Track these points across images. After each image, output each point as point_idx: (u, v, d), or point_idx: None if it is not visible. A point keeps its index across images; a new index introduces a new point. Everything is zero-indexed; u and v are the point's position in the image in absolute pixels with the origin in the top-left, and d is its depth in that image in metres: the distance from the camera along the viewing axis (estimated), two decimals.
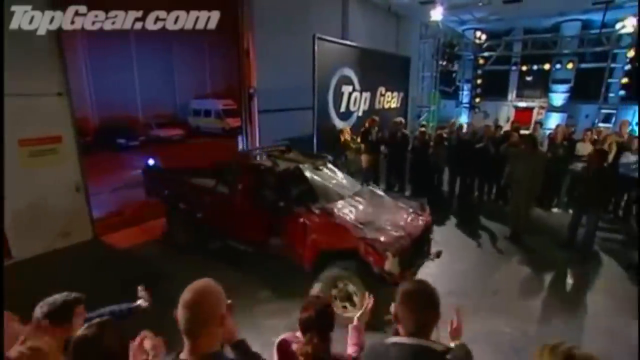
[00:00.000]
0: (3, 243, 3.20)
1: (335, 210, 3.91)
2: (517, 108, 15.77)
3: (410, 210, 4.31)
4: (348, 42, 8.07)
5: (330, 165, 4.96)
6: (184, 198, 5.00)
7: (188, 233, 4.96)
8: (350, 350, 1.59)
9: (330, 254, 3.62)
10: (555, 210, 7.20)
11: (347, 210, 3.99)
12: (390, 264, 3.31)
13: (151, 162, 11.72)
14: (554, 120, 13.35)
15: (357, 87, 8.13)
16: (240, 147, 7.53)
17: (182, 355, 1.15)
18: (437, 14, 9.36)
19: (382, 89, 9.19)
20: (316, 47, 6.64)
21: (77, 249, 5.10)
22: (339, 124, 7.62)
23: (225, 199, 4.48)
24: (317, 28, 7.20)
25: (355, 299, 3.49)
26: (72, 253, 4.98)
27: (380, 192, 4.80)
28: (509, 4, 10.39)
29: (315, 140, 6.84)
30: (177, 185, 5.16)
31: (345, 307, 3.56)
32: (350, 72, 7.85)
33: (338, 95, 7.59)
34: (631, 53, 10.32)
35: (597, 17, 10.94)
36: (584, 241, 5.37)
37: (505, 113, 15.57)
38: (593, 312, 4.06)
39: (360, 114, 8.30)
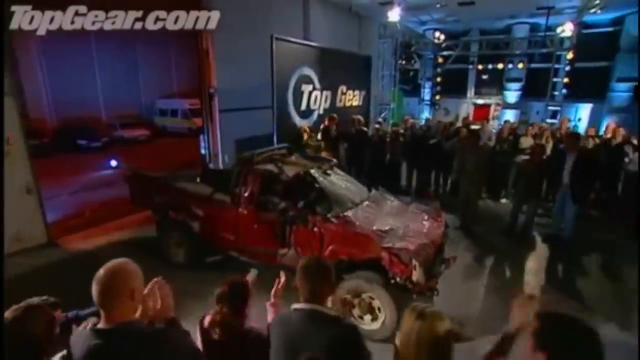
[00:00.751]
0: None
1: (354, 218, 3.74)
2: (475, 105, 16.63)
3: (426, 215, 4.17)
4: (306, 42, 8.28)
5: (336, 169, 4.74)
6: (177, 207, 4.56)
7: (183, 246, 4.58)
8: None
9: (348, 264, 3.46)
10: (503, 200, 7.70)
11: (365, 218, 3.81)
12: (417, 275, 3.18)
13: (114, 163, 11.47)
14: (508, 117, 14.19)
15: (317, 85, 8.35)
16: (202, 146, 7.57)
17: (100, 325, 1.31)
18: (394, 15, 9.73)
19: (343, 88, 9.46)
20: (274, 47, 6.81)
21: (29, 253, 5.00)
22: (299, 122, 7.83)
23: (227, 208, 4.17)
24: (278, 29, 7.34)
25: (380, 314, 3.34)
26: (24, 257, 4.88)
27: (392, 197, 4.65)
28: (463, 5, 10.98)
29: (275, 139, 7.00)
30: (169, 193, 4.75)
31: (361, 317, 3.43)
32: (309, 72, 8.05)
33: (298, 94, 7.78)
34: (570, 55, 11.24)
35: (543, 20, 11.77)
36: (524, 227, 5.85)
37: (464, 110, 16.39)
38: (521, 288, 4.50)
39: (321, 112, 8.54)
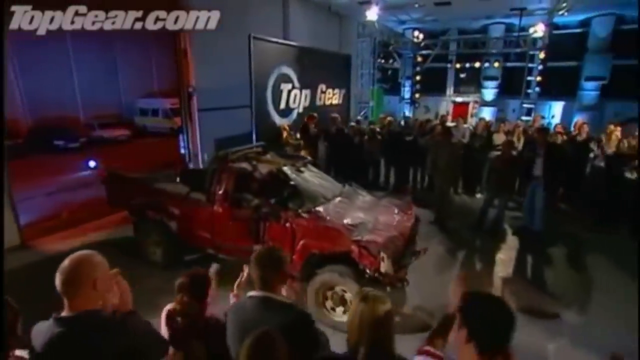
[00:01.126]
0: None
1: (325, 212, 3.84)
2: (454, 103, 17.04)
3: (397, 209, 4.32)
4: (284, 41, 8.34)
5: (310, 166, 4.85)
6: (155, 207, 4.58)
7: (161, 245, 4.60)
8: None
9: (320, 258, 3.54)
10: (478, 195, 7.92)
11: (336, 212, 3.91)
12: (385, 266, 3.27)
13: (92, 164, 11.28)
14: (486, 114, 14.60)
15: (297, 84, 8.44)
16: (181, 146, 7.55)
17: (63, 313, 1.36)
18: (372, 14, 9.89)
19: (322, 86, 9.56)
20: (252, 47, 6.86)
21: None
22: (279, 120, 7.90)
23: (203, 206, 4.23)
24: (257, 28, 7.39)
25: None
26: None
27: (364, 192, 4.77)
28: (440, 5, 11.25)
29: (254, 138, 7.06)
30: (146, 194, 4.76)
31: (333, 309, 3.53)
32: (288, 70, 8.13)
33: (277, 93, 7.85)
34: (542, 55, 11.67)
35: (517, 21, 12.19)
36: (495, 221, 6.05)
37: (444, 107, 16.77)
38: (489, 278, 4.71)
39: (300, 110, 8.63)
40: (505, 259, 5.31)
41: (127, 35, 8.39)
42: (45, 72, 14.49)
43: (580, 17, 12.96)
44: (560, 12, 9.99)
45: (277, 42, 7.90)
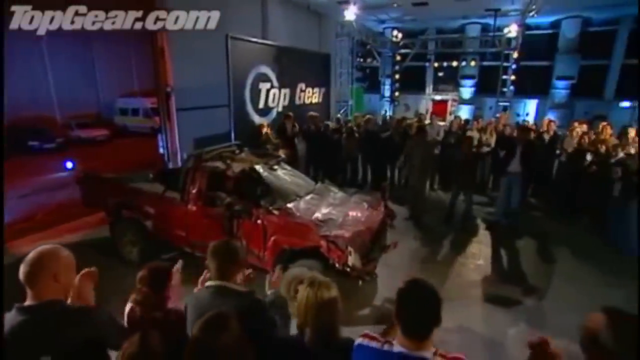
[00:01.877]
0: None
1: (295, 209, 3.95)
2: (434, 101, 17.39)
3: (366, 204, 4.43)
4: (262, 41, 8.37)
5: (283, 164, 4.95)
6: (130, 206, 4.63)
7: (137, 244, 4.63)
8: None
9: (291, 253, 3.63)
10: None
11: (306, 209, 4.03)
12: (353, 259, 3.39)
13: (69, 165, 11.06)
14: (464, 112, 14.99)
15: (276, 83, 8.49)
16: (160, 146, 7.51)
17: (26, 303, 1.43)
18: (350, 13, 10.01)
19: (302, 85, 9.64)
20: (230, 47, 6.90)
21: None
22: (258, 120, 7.95)
23: (177, 205, 4.28)
24: (236, 28, 7.38)
25: None
26: None
27: (335, 189, 4.87)
28: (417, 6, 11.49)
29: (233, 137, 7.10)
30: (122, 193, 4.78)
31: None
32: (267, 70, 8.18)
33: (255, 92, 7.89)
34: (515, 54, 12.06)
35: (492, 21, 12.54)
36: (464, 215, 6.26)
37: (424, 105, 17.10)
38: (459, 271, 4.92)
39: (280, 109, 8.69)
40: (475, 252, 5.51)
41: (104, 35, 8.30)
42: (18, 71, 14.11)
43: (551, 18, 13.47)
44: (531, 14, 10.36)
45: (255, 42, 7.94)
